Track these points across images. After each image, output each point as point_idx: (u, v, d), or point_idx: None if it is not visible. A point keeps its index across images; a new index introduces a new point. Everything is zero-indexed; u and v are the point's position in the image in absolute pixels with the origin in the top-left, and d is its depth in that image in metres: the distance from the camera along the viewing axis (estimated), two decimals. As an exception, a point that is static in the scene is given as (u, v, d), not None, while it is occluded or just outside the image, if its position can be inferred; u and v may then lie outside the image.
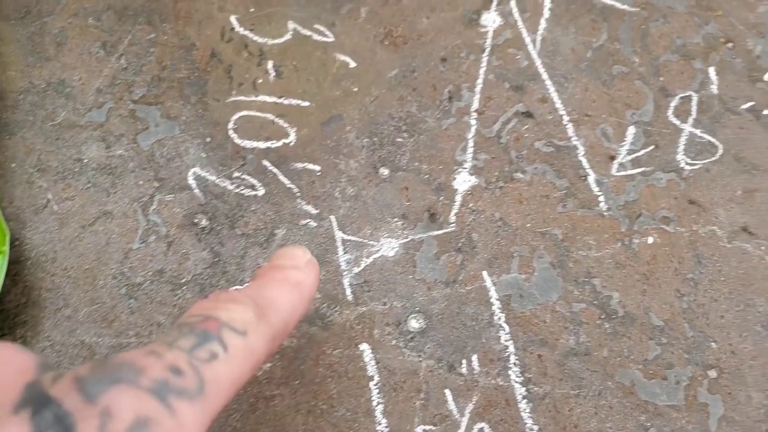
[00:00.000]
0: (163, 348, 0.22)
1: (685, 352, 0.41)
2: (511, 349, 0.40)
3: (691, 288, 0.42)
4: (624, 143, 0.45)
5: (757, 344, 0.41)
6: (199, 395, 0.22)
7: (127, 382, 0.20)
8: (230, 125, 0.44)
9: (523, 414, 0.39)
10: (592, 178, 0.44)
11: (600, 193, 0.44)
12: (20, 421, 0.18)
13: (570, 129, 0.45)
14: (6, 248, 0.39)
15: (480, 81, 0.46)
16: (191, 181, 0.43)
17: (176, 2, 0.47)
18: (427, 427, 0.39)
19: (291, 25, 0.47)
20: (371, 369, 0.40)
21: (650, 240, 0.43)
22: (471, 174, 0.44)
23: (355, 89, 0.46)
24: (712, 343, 0.41)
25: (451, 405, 0.39)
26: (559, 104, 0.46)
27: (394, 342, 0.40)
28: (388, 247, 0.42)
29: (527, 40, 0.48)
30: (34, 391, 0.20)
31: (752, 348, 0.40)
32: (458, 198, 0.44)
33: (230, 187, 0.43)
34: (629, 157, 0.45)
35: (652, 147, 0.45)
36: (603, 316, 0.41)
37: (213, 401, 0.22)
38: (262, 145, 0.44)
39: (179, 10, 0.47)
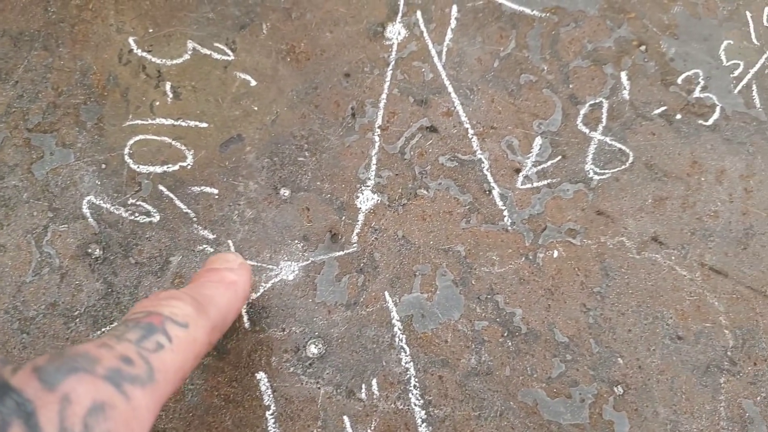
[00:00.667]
0: (113, 341, 0.25)
1: (591, 368, 0.40)
2: (412, 371, 0.40)
3: (597, 302, 0.41)
4: (530, 155, 0.44)
5: (664, 358, 0.40)
6: (150, 382, 0.24)
7: (83, 370, 0.22)
8: (126, 150, 0.43)
9: (418, 440, 0.38)
10: (496, 192, 0.43)
11: (504, 208, 0.43)
12: None
13: (475, 142, 0.44)
14: None
15: (384, 96, 0.46)
16: (86, 210, 0.42)
17: (73, 26, 0.46)
18: (319, 457, 0.38)
19: (190, 44, 0.46)
20: (267, 398, 0.39)
21: (555, 254, 0.42)
22: (374, 192, 0.43)
23: (256, 108, 0.45)
24: (619, 359, 0.40)
25: (349, 431, 0.38)
26: (464, 117, 0.45)
27: (292, 369, 0.40)
28: (288, 270, 0.42)
29: (433, 51, 0.47)
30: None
31: (660, 362, 0.40)
32: (361, 217, 0.43)
33: (125, 215, 0.42)
34: (535, 169, 0.44)
35: (559, 157, 0.44)
36: (506, 334, 0.40)
37: (162, 387, 0.25)
38: (158, 169, 0.43)
39: (76, 34, 0.46)
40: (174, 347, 0.27)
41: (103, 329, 0.40)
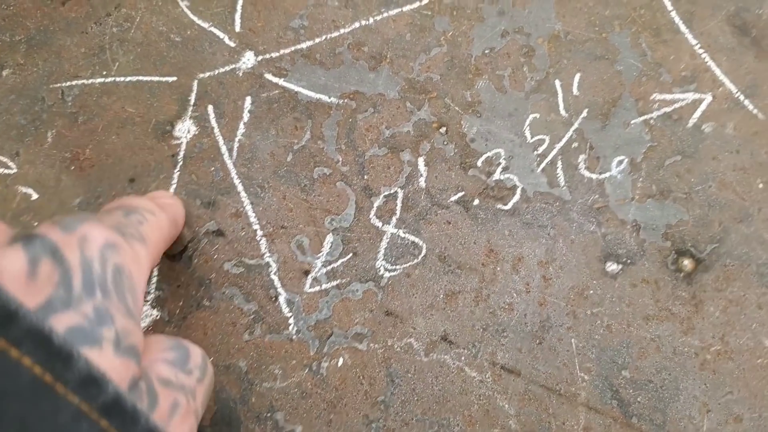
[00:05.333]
0: (104, 215, 0.33)
1: None
2: None
3: (381, 412, 0.41)
4: (320, 254, 0.44)
5: None
6: (142, 241, 0.32)
7: (95, 220, 0.29)
8: None
9: None
10: (282, 298, 0.44)
11: (290, 314, 0.43)
12: (15, 250, 0.25)
13: (263, 244, 0.45)
14: None
15: None
16: None
17: None
18: None
19: None
20: None
21: (341, 361, 0.42)
22: (153, 307, 0.43)
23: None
24: None
25: None
26: (253, 218, 0.45)
27: None
28: None
29: (223, 148, 0.47)
30: (22, 232, 0.27)
31: None
32: None
33: None
34: (324, 270, 0.44)
35: (350, 255, 0.44)
36: None
37: (151, 250, 0.33)
38: None
39: None
40: (150, 224, 0.35)
41: None
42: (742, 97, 0.48)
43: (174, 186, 0.46)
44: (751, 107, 0.48)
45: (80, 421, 0.23)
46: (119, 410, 0.24)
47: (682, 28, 0.50)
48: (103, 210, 0.35)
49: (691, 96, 0.48)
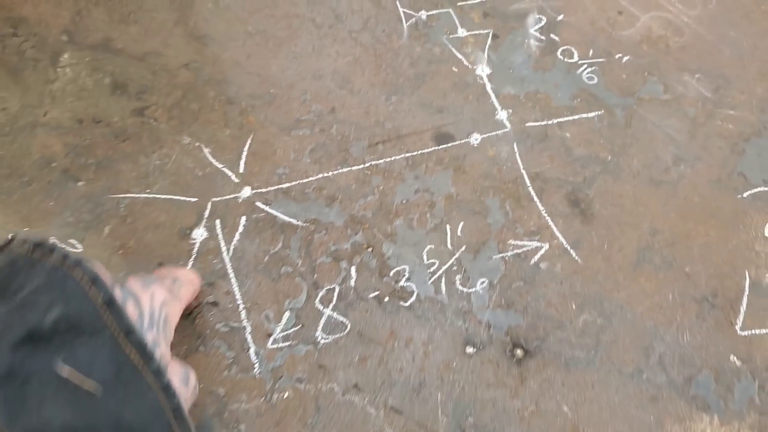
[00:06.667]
0: (162, 279, 0.57)
1: None
2: None
3: (309, 430, 0.66)
4: (280, 324, 0.71)
5: None
6: (180, 300, 0.58)
7: (160, 282, 0.54)
8: None
9: None
10: (252, 350, 0.69)
11: (256, 361, 0.69)
12: (116, 289, 0.45)
13: (243, 314, 0.71)
14: None
15: None
16: None
17: None
18: None
19: (52, 240, 0.73)
20: None
21: (286, 395, 0.68)
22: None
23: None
24: None
25: None
26: (238, 296, 0.72)
27: None
28: None
29: (223, 248, 0.74)
30: (118, 279, 0.48)
31: None
32: None
33: None
34: (282, 334, 0.70)
35: (299, 326, 0.71)
36: None
37: (183, 304, 0.60)
38: None
39: None
40: (185, 289, 0.60)
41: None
42: (569, 248, 0.78)
43: (187, 270, 0.73)
44: (574, 255, 0.77)
45: (156, 392, 0.47)
46: (172, 393, 0.49)
47: (535, 198, 0.80)
48: (161, 272, 0.60)
49: (534, 244, 0.78)
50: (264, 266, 0.72)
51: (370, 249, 0.73)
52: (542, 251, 0.74)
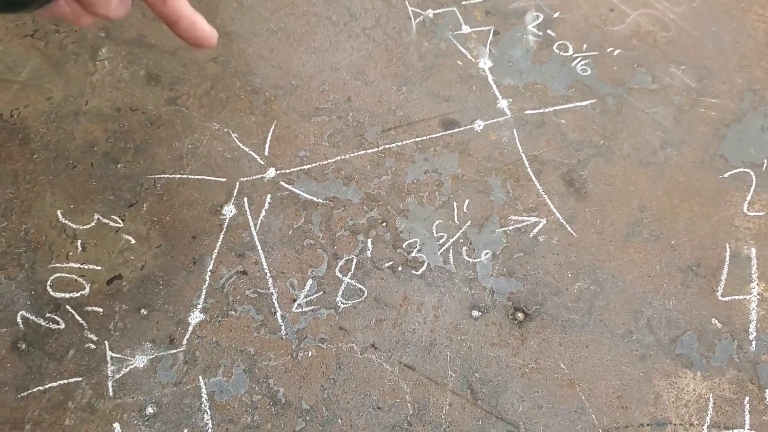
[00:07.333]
0: None
1: (320, 426, 0.72)
2: (210, 425, 0.72)
3: (331, 384, 0.74)
4: (303, 290, 0.79)
5: (368, 420, 0.72)
6: None
7: None
8: (48, 282, 0.77)
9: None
10: (278, 314, 0.78)
11: (282, 324, 0.77)
12: None
13: (270, 282, 0.79)
14: None
15: (216, 252, 0.80)
16: (18, 320, 0.75)
17: (22, 202, 0.81)
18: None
19: (95, 216, 0.81)
20: (117, 439, 0.70)
21: (310, 354, 0.76)
22: (201, 312, 0.77)
23: (132, 258, 0.79)
24: (339, 419, 0.73)
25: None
26: (265, 266, 0.80)
27: (135, 422, 0.72)
28: (140, 360, 0.74)
29: (251, 223, 0.82)
30: None
31: (365, 423, 0.72)
32: (190, 328, 0.76)
33: (43, 323, 0.75)
34: (305, 300, 0.78)
35: (321, 292, 0.79)
36: (271, 404, 0.73)
37: None
38: (67, 295, 0.77)
39: (23, 207, 0.81)
40: None
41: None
42: (564, 223, 0.86)
43: (219, 243, 0.81)
44: (569, 229, 0.85)
45: None
46: None
47: (533, 178, 0.89)
48: None
49: (533, 219, 0.86)
50: (288, 239, 0.79)
51: (384, 223, 0.81)
52: (540, 225, 0.82)
